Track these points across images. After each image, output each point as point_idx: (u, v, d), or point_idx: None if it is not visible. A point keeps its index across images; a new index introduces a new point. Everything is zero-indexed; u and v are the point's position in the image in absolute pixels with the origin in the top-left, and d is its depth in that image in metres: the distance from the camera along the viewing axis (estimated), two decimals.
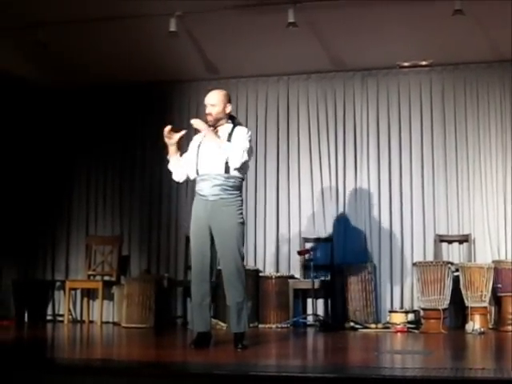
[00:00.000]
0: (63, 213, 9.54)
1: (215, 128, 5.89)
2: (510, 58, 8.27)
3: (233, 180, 5.80)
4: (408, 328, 7.72)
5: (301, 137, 9.05)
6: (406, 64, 8.74)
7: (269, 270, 8.76)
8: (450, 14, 6.95)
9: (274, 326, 8.20)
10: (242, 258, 5.83)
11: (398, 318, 7.86)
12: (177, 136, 5.94)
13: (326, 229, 8.80)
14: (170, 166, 6.08)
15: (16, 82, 8.99)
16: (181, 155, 6.03)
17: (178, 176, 6.09)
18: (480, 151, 8.59)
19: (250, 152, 5.88)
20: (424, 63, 8.71)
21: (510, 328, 7.53)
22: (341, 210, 8.82)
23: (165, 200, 9.29)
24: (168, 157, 6.03)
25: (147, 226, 9.31)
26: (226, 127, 5.92)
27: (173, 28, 7.36)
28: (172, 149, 5.98)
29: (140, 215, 9.33)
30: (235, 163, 5.76)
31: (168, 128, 5.92)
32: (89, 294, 9.16)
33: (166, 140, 5.94)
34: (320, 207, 8.89)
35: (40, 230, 9.53)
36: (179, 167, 6.02)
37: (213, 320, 6.91)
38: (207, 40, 7.99)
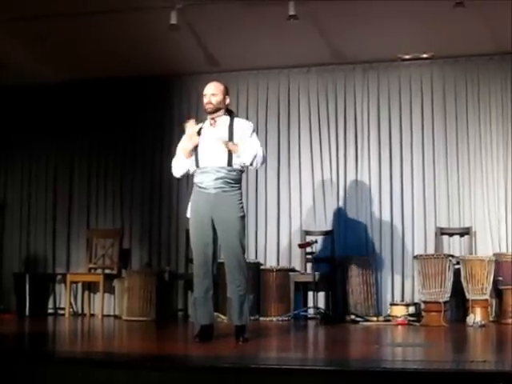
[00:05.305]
0: (64, 206, 9.54)
1: (213, 119, 5.88)
2: (511, 51, 8.25)
3: (234, 173, 5.81)
4: (409, 321, 7.73)
5: (301, 130, 9.04)
6: (406, 57, 8.72)
7: (270, 263, 8.76)
8: (451, 7, 6.95)
9: (274, 318, 8.20)
10: (244, 251, 5.83)
11: (399, 311, 7.87)
12: (196, 127, 5.89)
13: (326, 221, 8.81)
14: (175, 161, 6.02)
15: (14, 74, 8.98)
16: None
17: (179, 171, 6.02)
18: (481, 144, 8.58)
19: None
20: (425, 56, 8.69)
21: (510, 321, 7.53)
22: (342, 202, 8.82)
23: (165, 193, 9.28)
24: (183, 154, 5.92)
25: (148, 219, 9.31)
26: (224, 119, 5.91)
27: (173, 21, 7.34)
28: (189, 150, 5.87)
29: (141, 208, 9.33)
30: (258, 162, 5.84)
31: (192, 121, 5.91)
32: (90, 287, 9.17)
33: (189, 131, 5.87)
34: (321, 200, 8.89)
35: (41, 224, 9.54)
36: (183, 163, 5.96)
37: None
38: (208, 33, 7.97)
